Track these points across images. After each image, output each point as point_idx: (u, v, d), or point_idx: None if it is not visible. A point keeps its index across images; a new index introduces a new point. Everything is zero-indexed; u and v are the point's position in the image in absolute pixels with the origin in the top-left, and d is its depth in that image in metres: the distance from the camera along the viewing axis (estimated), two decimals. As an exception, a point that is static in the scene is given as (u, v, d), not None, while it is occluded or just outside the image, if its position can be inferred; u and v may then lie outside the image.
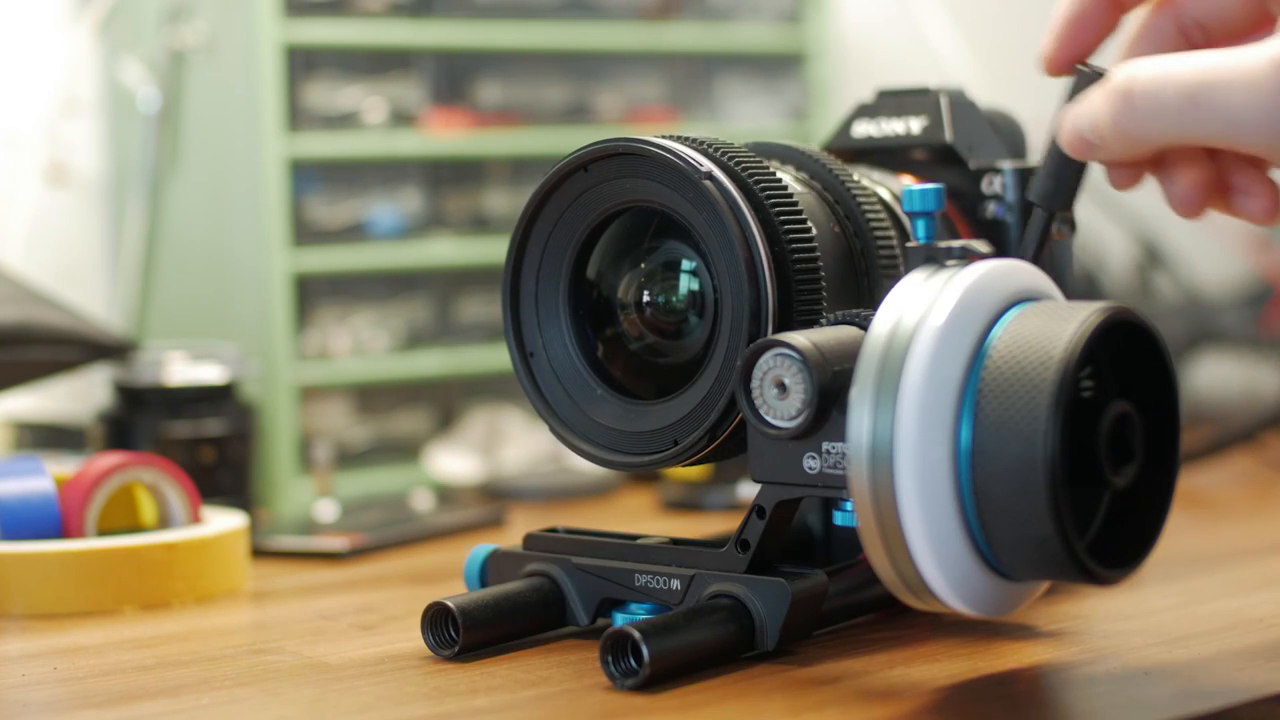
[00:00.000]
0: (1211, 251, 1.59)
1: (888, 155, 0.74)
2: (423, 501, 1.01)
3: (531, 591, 0.66)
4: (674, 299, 0.65)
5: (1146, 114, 0.59)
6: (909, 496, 0.53)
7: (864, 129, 0.75)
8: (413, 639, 0.67)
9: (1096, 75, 0.62)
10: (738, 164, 0.63)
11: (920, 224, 0.58)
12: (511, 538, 0.93)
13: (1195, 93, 0.58)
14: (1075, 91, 0.63)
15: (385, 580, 0.82)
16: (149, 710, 0.59)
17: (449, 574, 0.84)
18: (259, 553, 0.88)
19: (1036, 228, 0.65)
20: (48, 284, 1.09)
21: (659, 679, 0.58)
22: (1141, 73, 0.60)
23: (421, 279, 1.12)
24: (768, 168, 0.64)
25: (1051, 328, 0.53)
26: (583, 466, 1.07)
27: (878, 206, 0.67)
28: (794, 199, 0.63)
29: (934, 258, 0.57)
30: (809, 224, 0.63)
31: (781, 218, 0.62)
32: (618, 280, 0.66)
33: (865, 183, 0.69)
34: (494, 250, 1.14)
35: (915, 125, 0.73)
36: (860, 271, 0.66)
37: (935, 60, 1.43)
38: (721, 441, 0.62)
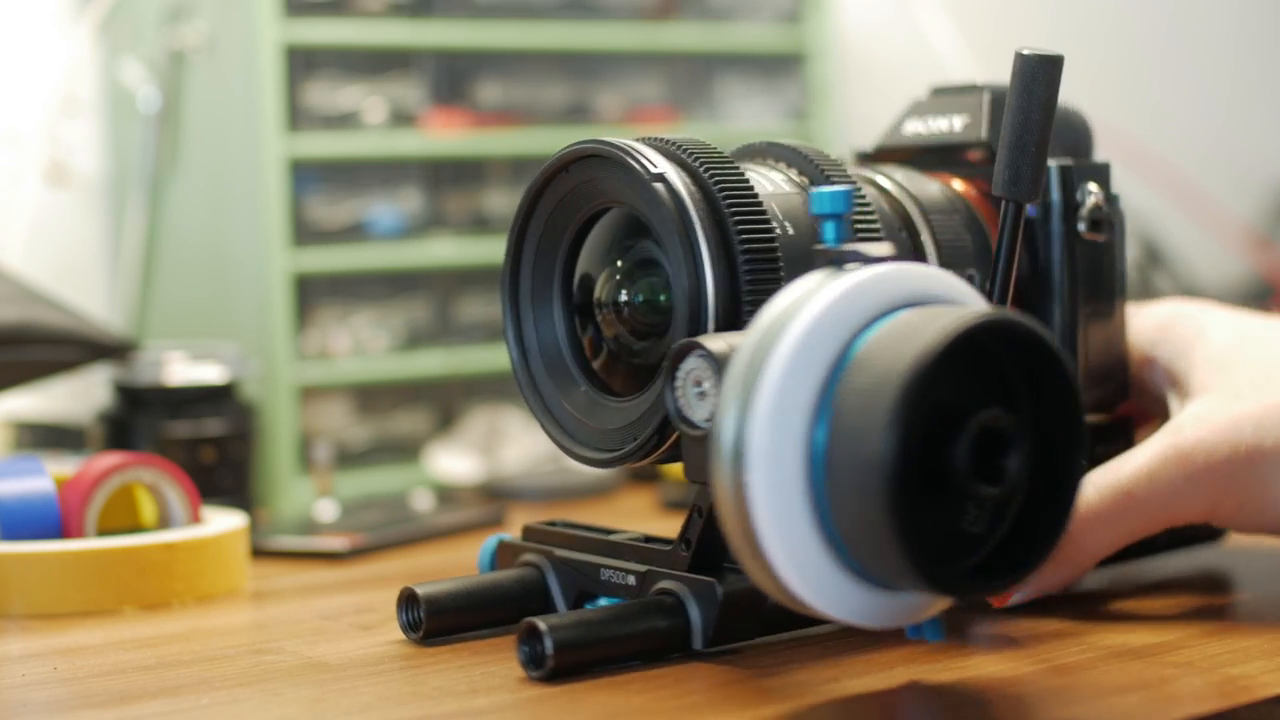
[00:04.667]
0: (1211, 251, 1.60)
1: (939, 155, 0.73)
2: (423, 501, 1.01)
3: (513, 581, 0.68)
4: (642, 299, 0.65)
5: (1086, 526, 0.65)
6: (761, 503, 0.52)
7: (913, 127, 0.74)
8: (413, 639, 0.67)
9: (1038, 59, 0.62)
10: (703, 166, 0.63)
11: (828, 226, 0.57)
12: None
13: (1129, 489, 0.65)
14: (1019, 76, 0.62)
15: (385, 580, 0.82)
16: (149, 710, 0.59)
17: (449, 574, 0.83)
18: (259, 553, 0.88)
19: (1008, 221, 0.63)
20: (48, 284, 1.09)
21: (566, 671, 0.59)
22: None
23: (421, 279, 1.12)
24: (736, 170, 0.64)
25: (912, 334, 0.52)
26: (583, 467, 1.07)
27: (869, 211, 0.67)
28: (756, 200, 0.63)
29: (836, 261, 0.56)
30: (771, 225, 0.63)
31: (738, 219, 0.62)
32: (598, 279, 0.66)
33: (866, 185, 0.68)
34: (494, 250, 1.14)
35: (958, 123, 0.72)
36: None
37: (935, 60, 1.43)
38: (672, 442, 0.63)
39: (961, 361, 0.52)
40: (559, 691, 0.59)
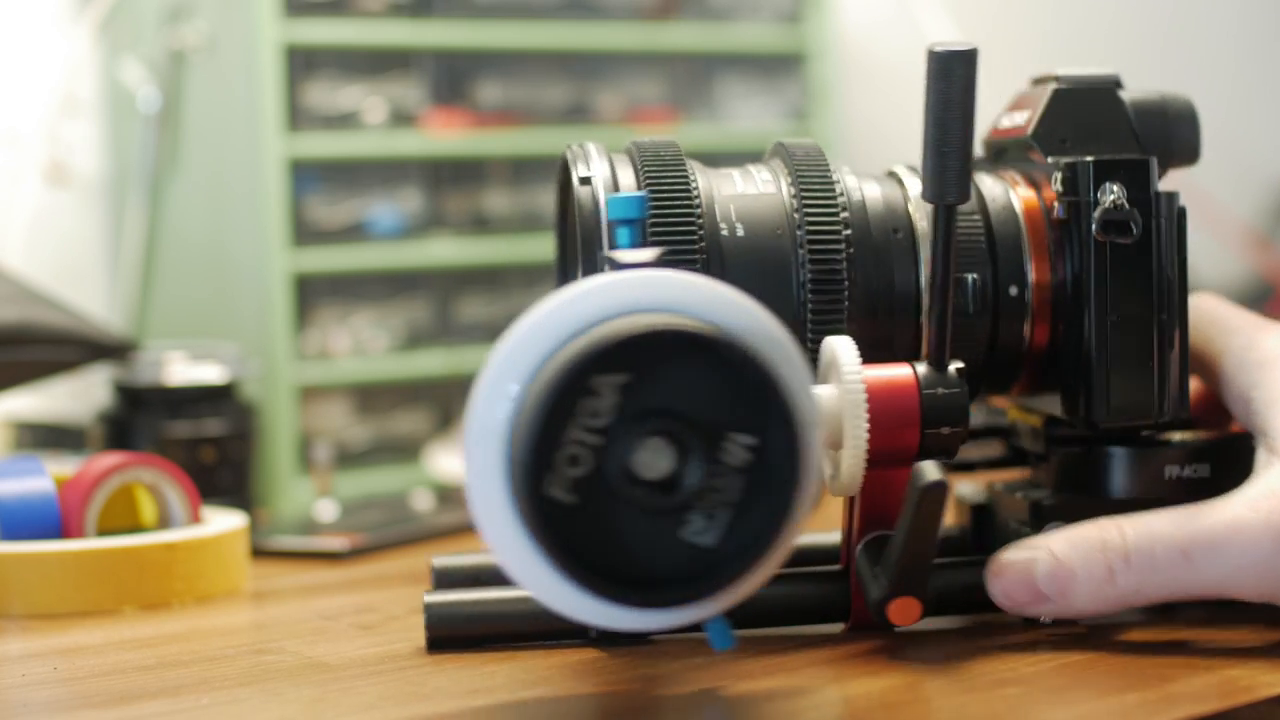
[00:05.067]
0: (1211, 251, 1.59)
1: (1013, 151, 0.70)
2: (423, 501, 1.01)
3: None
4: None
5: (1137, 573, 0.60)
6: (483, 524, 0.53)
7: (1005, 121, 0.71)
8: (413, 639, 0.67)
9: (952, 55, 0.60)
10: (650, 168, 0.65)
11: (620, 232, 0.58)
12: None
13: (1188, 550, 0.60)
14: (933, 74, 0.60)
15: (385, 580, 0.82)
16: (149, 710, 0.59)
17: (449, 574, 0.84)
18: (259, 553, 0.88)
19: (938, 225, 0.61)
20: (48, 284, 1.09)
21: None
22: (1130, 532, 0.60)
23: (421, 279, 1.12)
24: (682, 173, 0.65)
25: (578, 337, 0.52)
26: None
27: (832, 213, 0.65)
28: (688, 204, 0.64)
29: (614, 266, 0.56)
30: (696, 227, 0.64)
31: (656, 220, 0.64)
32: None
33: (852, 185, 0.67)
34: (494, 250, 1.14)
35: (1020, 118, 0.69)
36: (796, 276, 0.65)
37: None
38: None
39: (573, 386, 0.52)
40: (559, 692, 0.59)
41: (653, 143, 0.66)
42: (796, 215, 0.65)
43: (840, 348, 0.60)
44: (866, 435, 0.59)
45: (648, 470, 0.52)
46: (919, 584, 0.59)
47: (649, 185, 0.64)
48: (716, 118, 1.23)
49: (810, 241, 0.65)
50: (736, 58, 1.24)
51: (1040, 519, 0.65)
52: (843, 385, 0.59)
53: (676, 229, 0.64)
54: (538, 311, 0.54)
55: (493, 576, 0.66)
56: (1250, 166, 1.72)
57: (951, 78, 0.60)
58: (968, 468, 0.74)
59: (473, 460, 0.53)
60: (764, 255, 0.65)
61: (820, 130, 1.25)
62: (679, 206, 0.64)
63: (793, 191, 0.66)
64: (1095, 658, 0.61)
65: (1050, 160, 0.66)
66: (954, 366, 0.61)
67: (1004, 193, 0.68)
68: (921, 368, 0.61)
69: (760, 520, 0.52)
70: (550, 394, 0.51)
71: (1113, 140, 0.67)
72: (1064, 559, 0.61)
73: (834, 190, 0.66)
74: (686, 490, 0.52)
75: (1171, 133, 0.68)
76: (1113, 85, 0.68)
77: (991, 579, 0.62)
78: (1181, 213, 0.66)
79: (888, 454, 0.60)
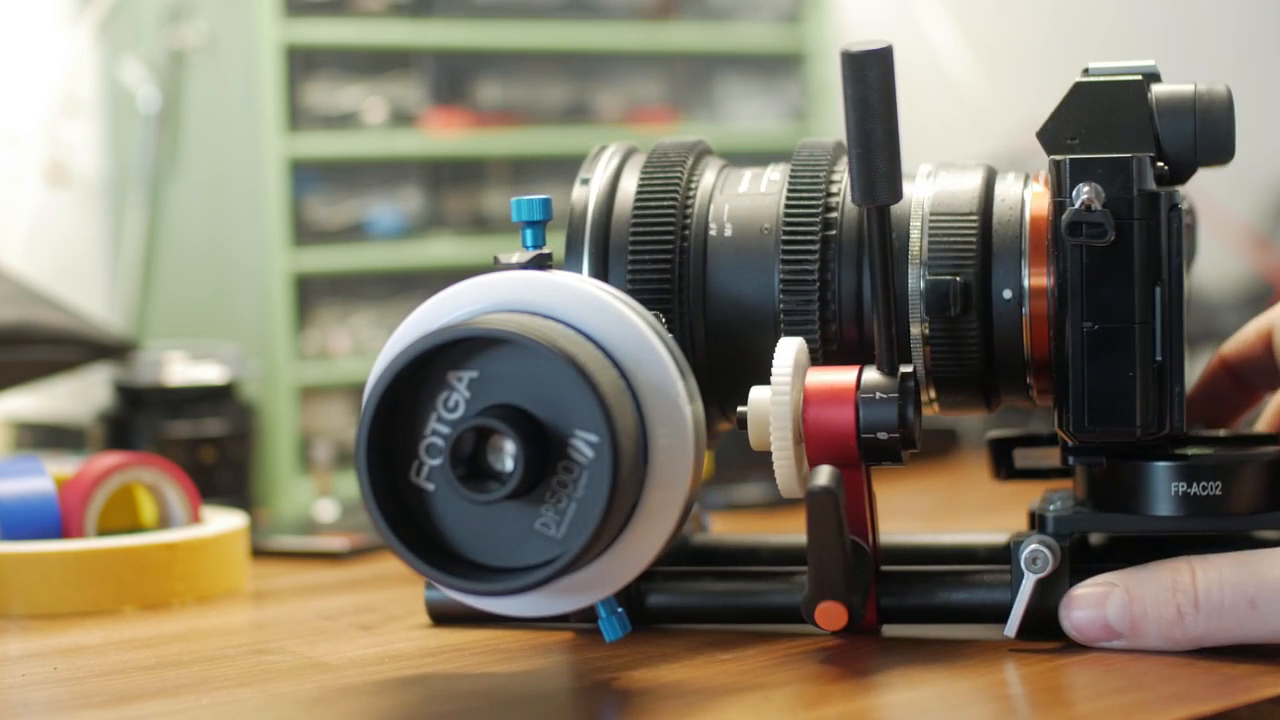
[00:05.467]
0: (1211, 251, 1.59)
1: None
2: (423, 501, 1.01)
3: None
4: None
5: (1205, 619, 0.60)
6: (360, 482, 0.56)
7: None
8: (413, 639, 0.67)
9: (864, 55, 0.59)
10: (648, 169, 0.67)
11: (526, 233, 0.62)
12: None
13: (1256, 599, 0.59)
14: (847, 76, 0.59)
15: (385, 580, 0.82)
16: (149, 710, 0.59)
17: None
18: (259, 553, 0.88)
19: (872, 228, 0.61)
20: (48, 284, 1.09)
21: None
22: (1201, 577, 0.60)
23: (421, 279, 1.12)
24: (676, 174, 0.67)
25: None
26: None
27: (813, 214, 0.65)
28: (671, 205, 0.66)
29: (497, 265, 0.61)
30: (676, 226, 0.66)
31: (636, 219, 0.66)
32: None
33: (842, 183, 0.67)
34: (494, 250, 1.14)
35: (1046, 114, 0.66)
36: (775, 274, 0.65)
37: (935, 60, 1.43)
38: None
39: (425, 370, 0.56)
40: (559, 692, 0.59)
41: (671, 144, 0.67)
42: (781, 215, 0.66)
43: (779, 351, 0.61)
44: (789, 439, 0.60)
45: (498, 462, 0.56)
46: (838, 589, 0.59)
47: (640, 185, 0.66)
48: (716, 118, 1.22)
49: (785, 241, 0.65)
50: (736, 58, 1.24)
51: (1041, 528, 0.64)
52: (772, 389, 0.60)
53: (653, 228, 0.66)
54: (419, 308, 0.59)
55: None
56: (1250, 166, 1.71)
57: (867, 79, 0.59)
58: (1038, 475, 0.72)
59: (358, 445, 0.56)
60: (748, 255, 0.65)
61: (820, 130, 1.25)
62: (662, 206, 0.66)
63: (788, 192, 0.66)
64: (1095, 658, 0.61)
65: (1058, 158, 0.63)
66: (903, 370, 0.61)
67: (1018, 194, 0.66)
68: (870, 372, 0.61)
69: (594, 514, 0.55)
70: (397, 383, 0.55)
71: (1128, 138, 0.63)
72: (1136, 598, 0.61)
73: (820, 191, 0.66)
74: (534, 483, 0.55)
75: (1200, 130, 0.64)
76: (1141, 79, 0.64)
77: (1064, 612, 0.62)
78: (1177, 214, 0.62)
79: (829, 457, 0.60)
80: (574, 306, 0.58)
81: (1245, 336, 0.71)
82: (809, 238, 0.65)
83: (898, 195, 0.60)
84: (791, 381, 0.60)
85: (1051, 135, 0.64)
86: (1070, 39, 1.62)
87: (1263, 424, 0.72)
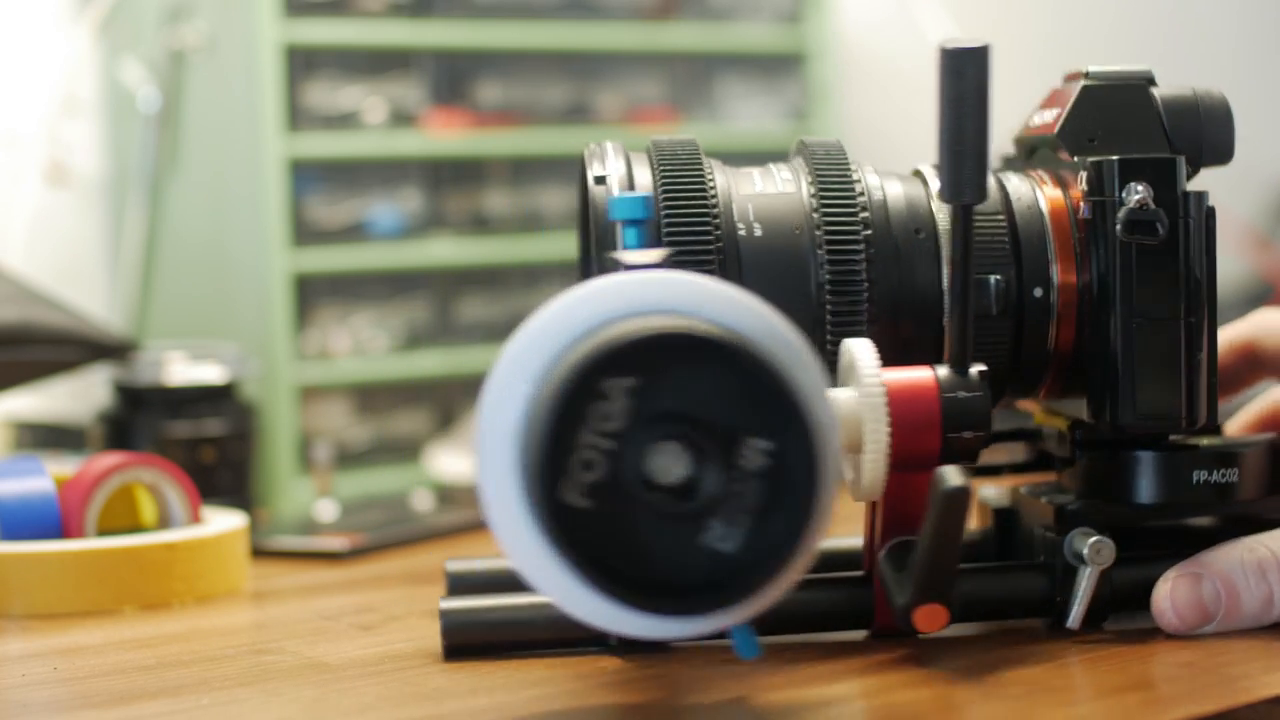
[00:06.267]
0: (1211, 251, 1.59)
1: (1041, 149, 0.69)
2: (423, 501, 1.01)
3: None
4: None
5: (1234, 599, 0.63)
6: (499, 533, 0.53)
7: (1036, 119, 0.70)
8: (413, 639, 0.67)
9: (964, 53, 0.60)
10: (666, 166, 0.64)
11: (626, 232, 0.57)
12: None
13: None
14: (945, 72, 0.59)
15: (385, 580, 0.82)
16: (149, 710, 0.59)
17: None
18: (259, 553, 0.88)
19: (955, 226, 0.61)
20: (48, 284, 1.09)
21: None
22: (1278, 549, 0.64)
23: (421, 279, 1.12)
24: (698, 172, 0.64)
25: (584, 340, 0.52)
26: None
27: (851, 212, 0.65)
28: (703, 204, 0.64)
29: (615, 267, 0.56)
30: (712, 227, 0.63)
31: (670, 219, 0.63)
32: None
33: (874, 184, 0.67)
34: (494, 250, 1.14)
35: (1050, 116, 0.68)
36: (814, 276, 0.64)
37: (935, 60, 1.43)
38: None
39: (583, 392, 0.51)
40: (559, 692, 0.59)
41: (671, 141, 0.65)
42: (816, 215, 0.64)
43: (859, 350, 0.60)
44: (888, 439, 0.59)
45: (663, 475, 0.52)
46: (944, 590, 0.59)
47: (664, 184, 0.64)
48: (716, 118, 1.22)
49: (829, 241, 0.64)
50: (736, 58, 1.24)
51: (1065, 524, 0.64)
52: (862, 388, 0.59)
53: (691, 229, 0.63)
54: (546, 311, 0.53)
55: (509, 582, 0.64)
56: (1250, 166, 1.71)
57: (964, 76, 0.59)
58: (993, 471, 0.73)
59: (485, 463, 0.53)
60: (782, 255, 0.64)
61: (820, 130, 1.25)
62: (694, 206, 0.64)
63: (812, 190, 0.65)
64: (1095, 658, 0.61)
65: (1076, 159, 0.65)
66: (976, 369, 0.61)
67: (1030, 192, 0.66)
68: (942, 370, 0.60)
69: (781, 526, 0.51)
70: (559, 397, 0.51)
71: (1142, 139, 0.66)
72: (1228, 580, 0.63)
73: (853, 189, 0.65)
74: (705, 496, 0.52)
75: (1204, 131, 0.67)
76: (1144, 82, 0.67)
77: (1160, 600, 0.63)
78: (1210, 213, 0.65)
79: (909, 458, 0.59)
80: (727, 308, 0.54)
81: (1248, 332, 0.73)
82: (852, 238, 0.64)
83: (984, 195, 0.60)
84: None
85: (1071, 136, 0.65)
86: (1070, 39, 1.62)
87: (1237, 425, 0.74)
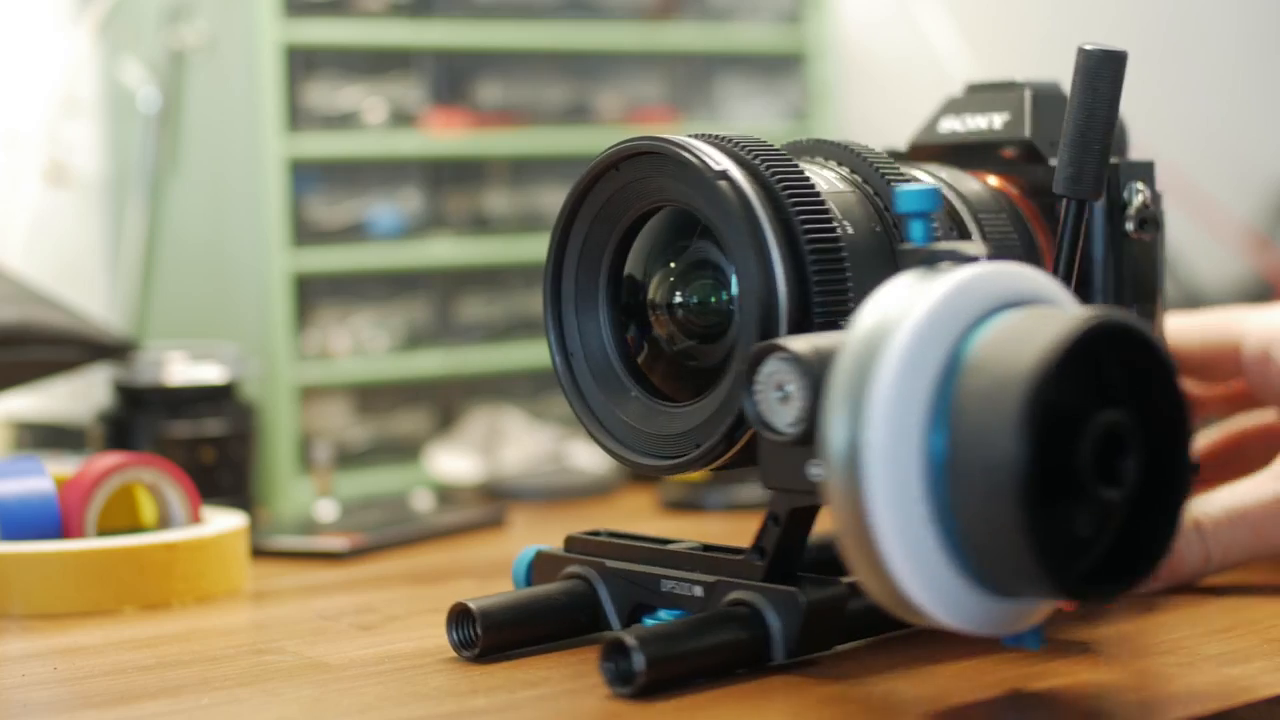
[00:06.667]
0: (1211, 251, 1.60)
1: (975, 152, 0.72)
2: (423, 501, 1.01)
3: (562, 594, 0.65)
4: (699, 300, 0.64)
5: (1217, 546, 0.70)
6: (881, 509, 0.51)
7: (950, 125, 0.73)
8: (413, 639, 0.67)
9: (1103, 55, 0.61)
10: (762, 163, 0.62)
11: (916, 225, 0.56)
12: (511, 538, 0.93)
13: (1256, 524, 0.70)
14: (1081, 72, 0.61)
15: (385, 580, 0.82)
16: (149, 710, 0.59)
17: (449, 574, 0.84)
18: (259, 553, 0.88)
19: (1070, 220, 0.63)
20: (48, 284, 1.09)
21: (655, 687, 0.57)
22: (1211, 510, 0.70)
23: (421, 279, 1.12)
24: (796, 167, 0.62)
25: (1029, 334, 0.51)
26: (583, 466, 1.07)
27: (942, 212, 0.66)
28: (819, 199, 0.62)
29: (928, 260, 0.55)
30: (834, 224, 0.62)
31: (803, 218, 0.61)
32: (650, 280, 0.65)
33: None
34: (494, 250, 1.14)
35: (998, 121, 0.71)
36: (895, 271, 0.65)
37: (935, 60, 1.43)
38: (740, 447, 0.61)
39: (1074, 363, 0.51)
40: (558, 692, 0.59)
41: (750, 138, 0.63)
42: (888, 214, 0.64)
43: None
44: None
45: (1103, 466, 0.52)
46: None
47: (777, 180, 0.62)
48: (716, 118, 1.22)
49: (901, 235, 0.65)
50: (736, 58, 1.24)
51: None
52: None
53: (820, 226, 0.62)
54: (924, 302, 0.52)
55: (541, 611, 0.64)
56: (1250, 166, 1.72)
57: (1101, 78, 0.61)
58: None
59: (881, 479, 0.51)
60: (872, 255, 0.63)
61: (820, 130, 1.25)
62: (816, 201, 0.62)
63: (871, 189, 0.65)
64: (1094, 658, 0.61)
65: (1053, 162, 0.68)
66: None
67: (998, 191, 0.69)
68: None
69: (1167, 510, 0.54)
70: (1035, 394, 0.50)
71: (1079, 142, 0.68)
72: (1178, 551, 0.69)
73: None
74: (1128, 481, 0.52)
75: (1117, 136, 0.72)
76: (1057, 87, 0.72)
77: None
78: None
79: None
80: (1064, 299, 0.55)
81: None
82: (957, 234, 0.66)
83: (1101, 191, 0.63)
84: None
85: (1043, 140, 0.70)
86: (1070, 39, 1.62)
87: (1203, 445, 0.79)
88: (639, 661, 0.56)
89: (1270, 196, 1.73)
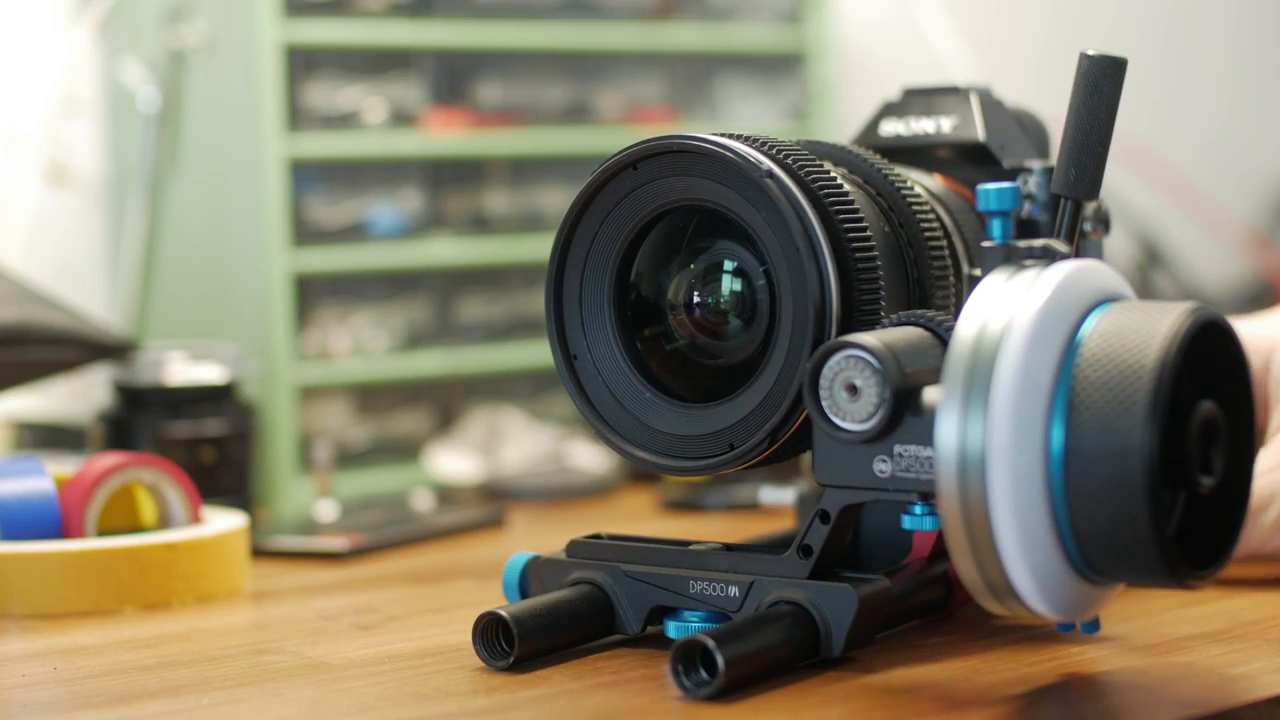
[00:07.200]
0: (1211, 251, 1.60)
1: (915, 154, 0.73)
2: (423, 501, 1.01)
3: (580, 600, 0.64)
4: (725, 300, 0.64)
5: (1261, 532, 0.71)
6: (1001, 500, 0.52)
7: (892, 127, 0.74)
8: (413, 639, 0.67)
9: (1105, 61, 0.62)
10: (795, 163, 0.62)
11: (996, 223, 0.57)
12: (512, 538, 0.93)
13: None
14: (1084, 76, 0.62)
15: (385, 580, 0.82)
16: (149, 710, 0.59)
17: (449, 574, 0.84)
18: (259, 553, 0.88)
19: (1066, 219, 0.63)
20: (48, 284, 1.09)
21: (732, 687, 0.57)
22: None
23: (421, 279, 1.12)
24: (823, 167, 0.63)
25: (1143, 328, 0.53)
26: (583, 466, 1.07)
27: (926, 206, 0.66)
28: (851, 199, 0.62)
29: (1011, 258, 0.56)
30: (867, 224, 0.62)
31: (841, 217, 0.61)
32: (667, 281, 0.65)
33: (914, 184, 0.68)
34: (494, 250, 1.14)
35: (946, 124, 0.73)
36: (909, 271, 0.65)
37: (935, 60, 1.43)
38: (782, 444, 0.61)
39: (1189, 356, 0.53)
40: (559, 692, 0.59)
41: (774, 139, 0.63)
42: (894, 214, 0.65)
43: None
44: None
45: (1206, 453, 0.54)
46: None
47: (813, 180, 0.62)
48: (716, 118, 1.22)
49: (908, 235, 0.65)
50: (736, 58, 1.24)
51: None
52: None
53: (858, 225, 0.62)
54: (1036, 299, 0.54)
55: (566, 617, 0.63)
56: (1250, 166, 1.72)
57: (1103, 83, 0.62)
58: None
59: (1004, 472, 0.52)
60: (889, 251, 0.64)
61: (820, 130, 1.25)
62: (847, 204, 0.63)
63: (874, 189, 0.66)
64: (1094, 659, 0.61)
65: (1007, 164, 0.71)
66: None
67: (954, 190, 0.70)
68: None
69: (1236, 499, 0.56)
70: (1163, 384, 0.52)
71: (1023, 145, 0.73)
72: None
73: (913, 189, 0.67)
74: (1219, 471, 0.54)
75: (1041, 137, 0.75)
76: (993, 95, 0.74)
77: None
78: None
79: None
80: (1131, 292, 0.57)
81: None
82: (933, 234, 0.66)
83: (1096, 192, 0.63)
84: None
85: (997, 145, 0.72)
86: (1069, 39, 1.62)
87: None
88: (722, 662, 0.56)
89: (1270, 196, 1.73)
